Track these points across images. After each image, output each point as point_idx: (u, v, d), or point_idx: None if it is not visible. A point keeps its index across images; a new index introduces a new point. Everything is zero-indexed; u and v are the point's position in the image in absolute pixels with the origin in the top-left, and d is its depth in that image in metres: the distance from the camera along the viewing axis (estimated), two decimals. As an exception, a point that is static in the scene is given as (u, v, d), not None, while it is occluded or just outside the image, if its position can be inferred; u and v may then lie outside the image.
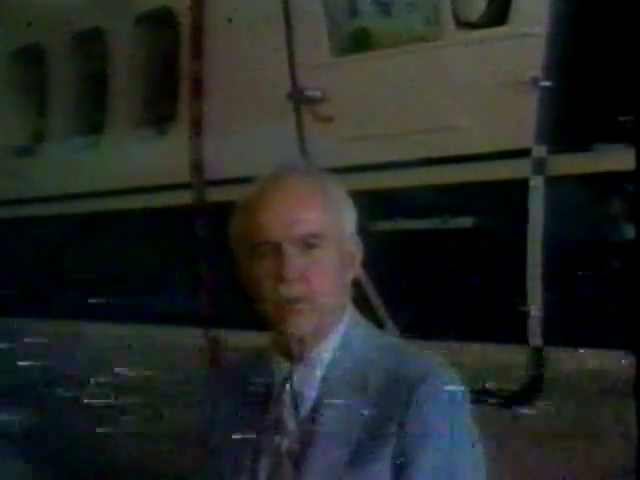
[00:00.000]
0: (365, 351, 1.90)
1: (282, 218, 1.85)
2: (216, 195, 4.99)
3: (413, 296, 4.12)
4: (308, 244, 1.85)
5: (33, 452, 5.86)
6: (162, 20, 5.44)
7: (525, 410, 3.84)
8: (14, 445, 5.88)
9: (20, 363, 5.69)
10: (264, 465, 1.90)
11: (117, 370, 5.11)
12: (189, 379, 4.50)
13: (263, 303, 1.86)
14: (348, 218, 1.93)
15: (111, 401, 5.31)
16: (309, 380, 1.89)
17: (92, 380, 5.40)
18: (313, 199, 1.88)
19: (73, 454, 5.62)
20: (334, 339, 1.90)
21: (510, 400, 3.85)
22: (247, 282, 1.89)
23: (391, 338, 2.04)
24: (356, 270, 1.94)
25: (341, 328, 1.91)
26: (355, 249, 1.93)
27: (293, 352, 1.90)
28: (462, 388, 1.87)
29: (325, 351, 1.89)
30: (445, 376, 1.85)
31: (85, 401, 5.49)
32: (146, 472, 5.29)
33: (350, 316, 1.94)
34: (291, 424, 1.89)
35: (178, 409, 4.91)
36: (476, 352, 3.84)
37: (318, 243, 1.86)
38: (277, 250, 1.84)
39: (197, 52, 5.12)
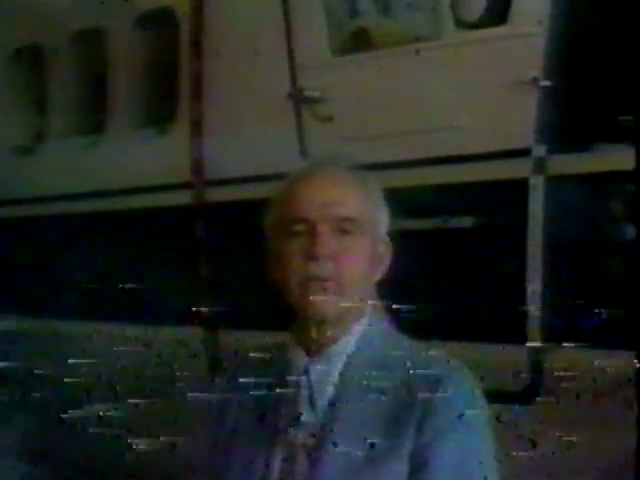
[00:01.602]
0: (384, 350, 1.90)
1: (319, 198, 1.88)
2: (216, 195, 4.99)
3: (413, 296, 4.11)
4: (342, 229, 1.88)
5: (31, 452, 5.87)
6: (162, 20, 5.44)
7: (525, 410, 3.84)
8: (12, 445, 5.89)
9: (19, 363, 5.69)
10: (278, 458, 1.90)
11: (116, 370, 5.11)
12: (189, 379, 4.49)
13: (290, 282, 1.87)
14: (383, 217, 1.95)
15: (111, 402, 5.30)
16: (327, 374, 1.89)
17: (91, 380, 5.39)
18: (352, 186, 1.91)
19: (71, 454, 5.62)
20: (354, 335, 1.91)
21: (510, 400, 3.85)
22: (276, 263, 1.90)
23: (411, 340, 2.04)
24: (384, 271, 1.95)
25: (362, 325, 1.92)
26: (385, 251, 1.95)
27: (313, 342, 1.90)
28: (480, 390, 1.87)
29: (345, 346, 1.90)
30: (463, 379, 1.86)
31: (85, 401, 5.48)
32: (147, 471, 5.28)
33: (372, 314, 1.95)
34: (307, 418, 1.89)
35: (178, 408, 4.91)
36: (476, 352, 3.84)
37: (352, 230, 1.88)
38: (311, 229, 1.87)
39: (197, 52, 5.12)
